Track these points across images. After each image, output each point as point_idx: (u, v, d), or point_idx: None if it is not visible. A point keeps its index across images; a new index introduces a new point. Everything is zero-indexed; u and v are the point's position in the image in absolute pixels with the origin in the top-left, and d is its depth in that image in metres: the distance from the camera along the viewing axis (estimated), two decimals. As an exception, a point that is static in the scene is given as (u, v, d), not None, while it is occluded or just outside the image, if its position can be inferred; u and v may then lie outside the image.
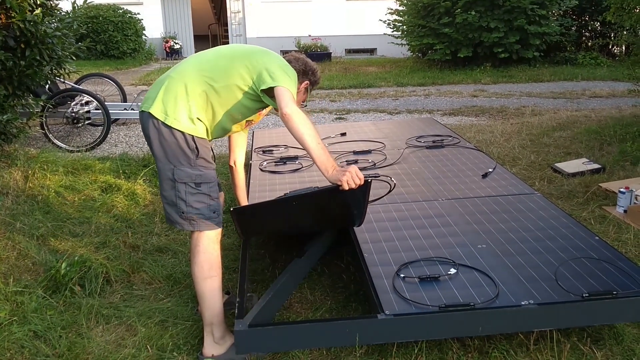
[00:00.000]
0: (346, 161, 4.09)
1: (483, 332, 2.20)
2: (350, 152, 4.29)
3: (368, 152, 4.29)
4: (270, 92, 2.28)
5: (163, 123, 2.26)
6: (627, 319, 2.31)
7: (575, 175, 4.72)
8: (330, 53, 15.29)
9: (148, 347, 2.46)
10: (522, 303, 2.18)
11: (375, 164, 4.00)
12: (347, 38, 16.79)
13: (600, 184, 4.40)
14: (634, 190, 3.94)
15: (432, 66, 12.62)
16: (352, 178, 2.18)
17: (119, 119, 7.35)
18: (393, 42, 13.58)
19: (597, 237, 2.73)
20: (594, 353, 2.32)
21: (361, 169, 3.90)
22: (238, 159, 2.91)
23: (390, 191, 2.83)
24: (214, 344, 2.38)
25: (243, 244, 2.88)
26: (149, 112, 2.29)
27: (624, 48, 13.01)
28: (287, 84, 2.27)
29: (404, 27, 12.87)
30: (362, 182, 2.22)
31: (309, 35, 15.81)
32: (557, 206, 3.23)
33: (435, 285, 2.36)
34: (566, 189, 4.42)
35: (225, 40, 18.06)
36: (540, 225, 2.89)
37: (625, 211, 3.88)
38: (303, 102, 2.61)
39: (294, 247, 3.23)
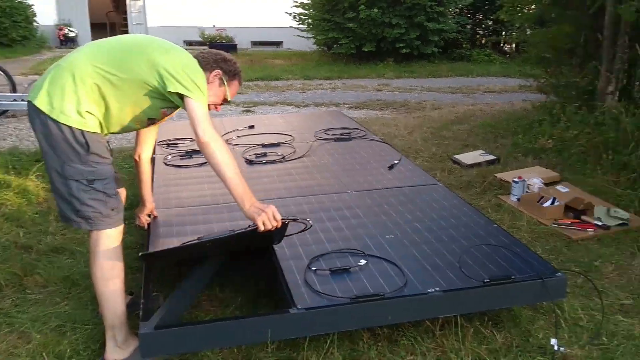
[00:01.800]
0: (255, 154, 4.03)
1: (392, 320, 2.25)
2: (258, 145, 4.24)
3: (277, 145, 4.26)
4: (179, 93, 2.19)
5: (48, 116, 2.09)
6: (524, 302, 2.45)
7: (473, 166, 4.96)
8: (236, 45, 15.07)
9: (44, 354, 2.29)
10: (429, 291, 2.25)
11: (284, 157, 3.97)
12: (253, 30, 16.61)
13: (495, 175, 4.64)
14: (526, 180, 4.20)
15: (337, 60, 12.78)
16: (268, 220, 2.13)
17: (7, 110, 6.82)
18: (299, 35, 13.61)
19: (495, 225, 2.88)
20: (494, 335, 2.43)
21: (270, 162, 3.91)
22: (144, 153, 2.69)
23: (303, 230, 2.73)
24: (117, 348, 2.25)
25: (146, 241, 2.75)
26: (34, 104, 2.11)
27: (514, 46, 13.87)
28: (197, 94, 2.16)
29: (310, 20, 12.94)
30: (279, 225, 2.17)
31: (214, 26, 15.49)
32: (458, 196, 3.37)
33: (346, 276, 2.37)
34: (465, 179, 4.62)
35: (124, 29, 17.24)
36: (443, 214, 3.00)
37: (518, 200, 4.12)
38: (222, 100, 2.40)
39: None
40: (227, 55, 2.41)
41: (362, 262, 2.48)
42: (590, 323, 2.57)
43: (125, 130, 2.33)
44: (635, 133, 4.13)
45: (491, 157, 5.11)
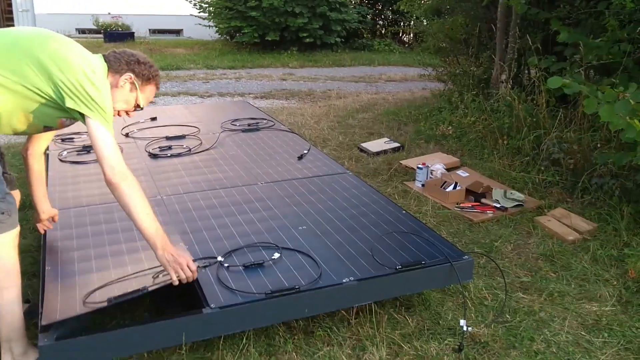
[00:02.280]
0: (159, 147, 3.86)
1: (309, 313, 2.24)
2: (162, 137, 4.07)
3: (182, 137, 4.11)
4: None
5: None
6: (434, 286, 2.53)
7: (378, 153, 5.06)
8: (133, 33, 14.39)
9: None
10: (344, 281, 2.26)
11: (190, 150, 3.84)
12: (151, 17, 15.92)
13: (400, 161, 4.77)
14: (430, 165, 4.34)
15: (241, 49, 12.57)
16: (182, 271, 2.04)
17: None
18: (200, 24, 13.23)
19: (404, 212, 2.94)
20: (407, 320, 2.49)
21: (175, 155, 3.76)
22: (34, 148, 2.39)
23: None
24: None
25: (43, 243, 2.55)
26: None
27: (412, 36, 14.32)
28: (98, 114, 1.98)
29: (211, 8, 12.62)
30: (195, 276, 2.07)
31: (109, 13, 14.69)
32: (367, 184, 3.42)
33: (260, 271, 2.33)
34: (372, 167, 4.71)
35: (8, 16, 15.93)
36: (354, 203, 3.02)
37: (423, 185, 4.26)
38: (135, 106, 2.21)
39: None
40: (142, 56, 2.21)
41: (276, 255, 2.44)
42: (494, 302, 2.71)
43: (17, 134, 2.13)
44: (527, 119, 4.38)
45: (396, 144, 5.24)
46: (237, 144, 4.02)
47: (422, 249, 2.51)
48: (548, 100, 4.45)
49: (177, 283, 2.04)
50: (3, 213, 2.00)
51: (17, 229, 2.06)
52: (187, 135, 4.16)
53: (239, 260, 2.40)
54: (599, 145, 3.90)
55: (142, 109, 2.26)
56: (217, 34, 13.46)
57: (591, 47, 4.16)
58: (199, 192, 3.14)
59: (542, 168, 4.16)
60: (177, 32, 16.67)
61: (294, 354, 2.27)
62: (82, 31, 14.44)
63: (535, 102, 4.52)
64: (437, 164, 4.44)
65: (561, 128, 4.12)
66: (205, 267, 2.18)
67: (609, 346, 2.41)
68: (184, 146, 3.91)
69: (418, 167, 4.31)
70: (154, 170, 3.47)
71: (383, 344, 2.33)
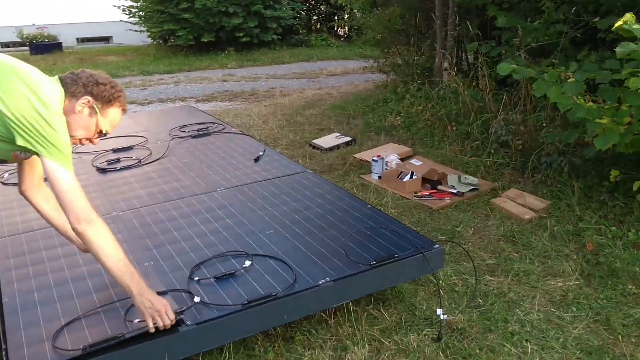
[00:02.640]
0: (107, 161, 3.70)
1: (288, 319, 2.20)
2: (109, 150, 3.91)
3: (130, 148, 3.96)
4: None
5: None
6: (409, 278, 2.53)
7: (331, 149, 5.05)
8: (61, 43, 13.83)
9: None
10: (320, 282, 2.22)
11: (140, 161, 3.70)
12: (78, 26, 15.32)
13: (354, 155, 4.78)
14: (384, 157, 4.37)
15: (176, 52, 12.30)
16: (160, 318, 1.92)
17: None
18: (131, 29, 12.85)
19: (369, 206, 2.94)
20: (384, 315, 2.49)
21: (126, 168, 3.61)
22: (27, 181, 2.17)
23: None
24: None
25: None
26: None
27: (347, 29, 14.42)
28: (54, 153, 1.81)
29: (141, 13, 12.27)
30: (173, 322, 1.95)
31: (33, 24, 14.04)
32: (329, 181, 3.40)
33: (233, 281, 2.26)
34: (327, 163, 4.70)
35: None
36: (318, 201, 2.99)
37: (379, 177, 4.28)
38: (97, 133, 2.00)
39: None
40: (102, 76, 2.00)
41: (247, 263, 2.39)
42: (465, 287, 2.75)
43: None
44: (474, 104, 4.48)
45: (347, 138, 5.25)
46: (188, 150, 3.91)
47: (393, 242, 2.51)
48: (490, 84, 4.56)
49: (153, 331, 1.93)
50: None
51: None
52: (135, 145, 4.02)
53: (209, 272, 2.33)
54: (544, 124, 4.02)
55: (106, 135, 2.04)
56: (150, 38, 13.12)
57: (528, 30, 4.28)
58: (157, 204, 3.03)
59: (492, 151, 4.26)
60: (107, 39, 16.14)
61: (275, 362, 2.22)
62: (5, 45, 13.77)
63: (479, 87, 4.62)
64: (391, 154, 4.47)
65: (507, 111, 4.23)
66: (183, 312, 2.05)
67: (579, 320, 2.49)
68: (133, 157, 3.77)
69: (373, 160, 4.32)
70: (105, 185, 3.33)
71: (364, 341, 2.32)
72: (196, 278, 2.29)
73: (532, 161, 3.95)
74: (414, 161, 4.48)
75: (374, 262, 2.33)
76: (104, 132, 2.01)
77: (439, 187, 4.01)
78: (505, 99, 4.32)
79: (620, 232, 3.14)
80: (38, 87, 1.83)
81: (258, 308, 2.09)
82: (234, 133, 4.30)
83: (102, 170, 3.58)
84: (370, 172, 4.36)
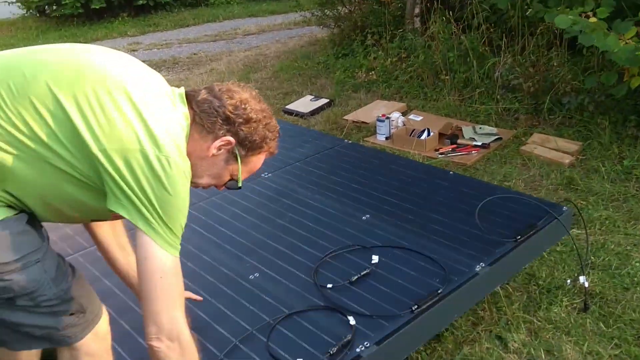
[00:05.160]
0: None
1: (453, 318, 1.86)
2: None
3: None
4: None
5: None
6: (546, 247, 2.30)
7: (313, 113, 4.64)
8: None
9: None
10: (477, 269, 1.90)
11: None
12: None
13: (345, 117, 4.41)
14: (391, 116, 4.05)
15: (62, 23, 10.88)
16: None
17: None
18: (-2, 0, 11.16)
19: (451, 173, 2.63)
20: (511, 292, 2.23)
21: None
22: (100, 237, 1.58)
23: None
24: None
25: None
26: None
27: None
28: (163, 235, 1.19)
29: (10, -21, 10.66)
30: None
31: None
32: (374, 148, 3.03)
33: (374, 283, 1.87)
34: (318, 129, 4.29)
35: None
36: (389, 175, 2.62)
37: (387, 138, 3.96)
38: (230, 179, 1.38)
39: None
40: (254, 106, 1.30)
41: (375, 258, 2.00)
42: (564, 246, 2.55)
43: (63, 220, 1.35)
44: (474, 50, 4.25)
45: (324, 99, 4.84)
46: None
47: (521, 211, 2.23)
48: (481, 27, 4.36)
49: None
50: (72, 314, 1.29)
51: (104, 320, 1.37)
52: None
53: (335, 275, 1.92)
54: (555, 64, 3.90)
55: (239, 187, 1.39)
56: (23, 10, 11.51)
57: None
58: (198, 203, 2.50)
59: (499, 97, 4.09)
60: (-36, 14, 13.96)
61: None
62: None
63: (470, 31, 4.41)
64: (394, 112, 4.16)
65: (513, 53, 4.06)
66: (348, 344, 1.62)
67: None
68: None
69: (379, 120, 3.99)
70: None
71: (512, 325, 2.05)
72: (329, 285, 1.87)
73: (547, 103, 3.83)
74: (413, 116, 4.20)
75: (519, 237, 2.04)
76: (239, 183, 1.38)
77: (459, 141, 3.78)
78: (505, 42, 4.14)
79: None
80: (157, 118, 1.20)
81: (430, 312, 1.74)
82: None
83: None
84: (375, 134, 4.03)
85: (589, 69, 3.81)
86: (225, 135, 1.28)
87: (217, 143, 1.28)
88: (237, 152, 1.31)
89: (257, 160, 1.37)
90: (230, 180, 1.38)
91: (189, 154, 1.24)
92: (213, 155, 1.30)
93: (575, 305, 2.17)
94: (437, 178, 2.56)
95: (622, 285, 2.27)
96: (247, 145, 1.31)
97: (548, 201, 2.35)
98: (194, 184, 1.32)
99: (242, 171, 1.35)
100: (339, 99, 4.90)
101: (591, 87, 3.66)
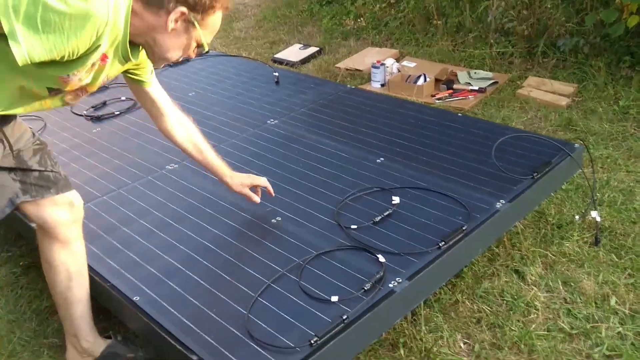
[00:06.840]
0: (93, 107, 2.96)
1: (475, 255, 1.90)
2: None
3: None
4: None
5: None
6: (559, 184, 2.32)
7: (304, 62, 4.57)
8: None
9: None
10: (497, 206, 1.92)
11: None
12: None
13: (337, 65, 4.35)
14: (385, 63, 4.00)
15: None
16: None
17: None
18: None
19: (460, 114, 2.63)
20: (522, 229, 2.28)
21: (124, 112, 2.84)
22: (160, 120, 1.79)
23: None
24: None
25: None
26: None
27: None
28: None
29: None
30: None
31: None
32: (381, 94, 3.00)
33: (397, 222, 1.89)
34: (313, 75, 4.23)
35: None
36: (397, 118, 2.61)
37: (383, 85, 3.93)
38: (193, 50, 1.46)
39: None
40: None
41: (396, 199, 2.01)
42: (570, 184, 2.59)
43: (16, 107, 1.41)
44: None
45: (314, 48, 4.76)
46: (181, 82, 3.24)
47: (533, 149, 2.24)
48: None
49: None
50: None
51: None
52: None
53: (358, 217, 1.93)
54: (548, 5, 3.88)
55: (207, 52, 1.52)
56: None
57: None
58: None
59: (492, 41, 4.07)
60: None
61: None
62: None
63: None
64: (388, 59, 4.11)
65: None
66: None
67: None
68: (122, 98, 3.04)
69: (373, 66, 3.94)
70: (118, 136, 2.65)
71: (537, 259, 2.10)
72: (353, 226, 1.88)
73: (542, 46, 3.82)
74: (406, 63, 4.17)
75: (536, 174, 2.07)
76: (204, 47, 1.46)
77: (455, 86, 3.77)
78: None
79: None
80: None
81: (456, 247, 1.77)
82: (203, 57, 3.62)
83: (97, 119, 2.85)
84: (370, 81, 3.99)
85: (582, 11, 3.79)
86: (176, 7, 1.33)
87: (172, 16, 1.34)
88: (192, 19, 1.37)
89: (216, 19, 1.44)
90: (197, 47, 1.46)
91: (145, 34, 1.37)
92: (173, 29, 1.36)
93: (586, 239, 2.23)
94: (446, 120, 2.56)
95: (629, 220, 2.33)
96: (199, 9, 1.36)
97: (560, 139, 2.38)
98: (165, 61, 1.46)
99: (204, 35, 1.42)
100: (328, 47, 4.81)
101: (586, 29, 3.66)
